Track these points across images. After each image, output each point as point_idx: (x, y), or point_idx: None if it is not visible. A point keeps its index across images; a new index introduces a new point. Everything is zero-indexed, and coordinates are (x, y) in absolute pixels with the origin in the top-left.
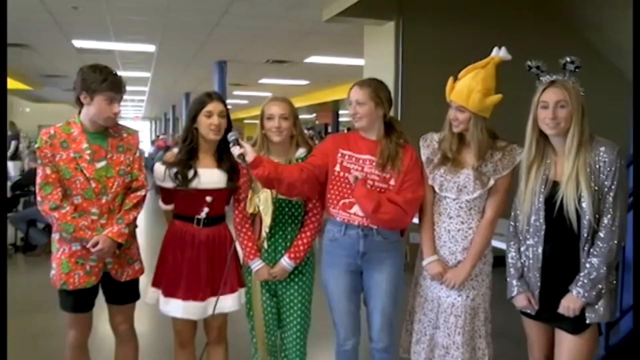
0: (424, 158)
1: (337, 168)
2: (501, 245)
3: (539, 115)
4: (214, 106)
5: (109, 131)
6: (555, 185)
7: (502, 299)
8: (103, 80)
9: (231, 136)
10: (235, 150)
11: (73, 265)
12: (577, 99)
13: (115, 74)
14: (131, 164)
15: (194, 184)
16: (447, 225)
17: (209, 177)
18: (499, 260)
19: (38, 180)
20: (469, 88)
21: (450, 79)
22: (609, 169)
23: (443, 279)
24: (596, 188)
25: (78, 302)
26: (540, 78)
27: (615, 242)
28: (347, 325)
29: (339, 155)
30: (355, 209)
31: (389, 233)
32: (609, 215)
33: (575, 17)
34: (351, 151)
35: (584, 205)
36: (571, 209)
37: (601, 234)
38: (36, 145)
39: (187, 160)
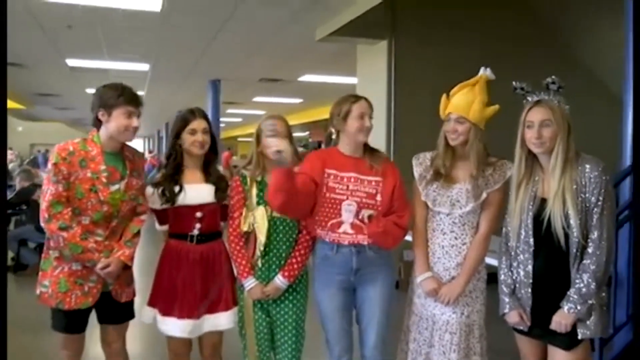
0: (416, 175)
1: (324, 189)
2: (494, 262)
3: (525, 135)
4: (197, 124)
5: (125, 153)
6: (544, 202)
7: (497, 315)
8: (120, 95)
9: (270, 127)
10: (274, 142)
11: (71, 285)
12: (562, 117)
13: (131, 89)
14: (140, 188)
15: (181, 200)
16: (441, 241)
17: (196, 192)
18: (492, 277)
19: (48, 197)
20: (467, 100)
21: (444, 96)
22: (594, 185)
23: (438, 295)
24: (583, 205)
25: (71, 322)
26: (527, 98)
27: (604, 257)
28: (341, 343)
29: (325, 175)
30: (344, 227)
31: (381, 248)
32: (596, 232)
33: (561, 35)
34: (336, 170)
35: (571, 222)
36: (558, 225)
37: (589, 250)
38: (53, 161)
39: (173, 175)
